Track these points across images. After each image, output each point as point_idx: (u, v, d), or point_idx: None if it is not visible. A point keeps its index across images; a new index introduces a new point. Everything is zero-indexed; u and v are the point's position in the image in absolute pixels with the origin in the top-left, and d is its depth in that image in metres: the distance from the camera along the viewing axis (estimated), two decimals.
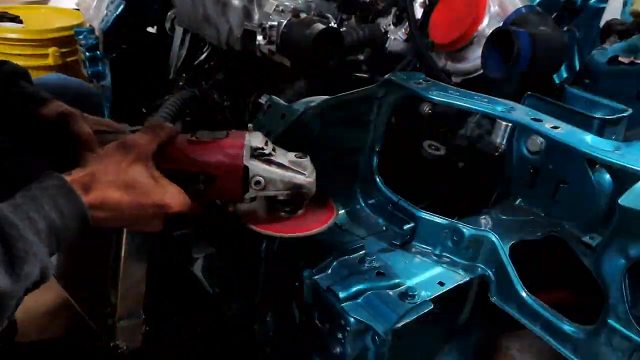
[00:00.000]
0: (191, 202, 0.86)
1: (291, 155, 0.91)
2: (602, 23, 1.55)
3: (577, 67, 1.46)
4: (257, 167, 0.87)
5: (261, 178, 0.87)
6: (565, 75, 1.44)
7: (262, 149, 0.88)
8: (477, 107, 0.98)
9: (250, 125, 0.94)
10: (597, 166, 1.01)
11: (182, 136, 0.89)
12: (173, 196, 0.83)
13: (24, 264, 0.64)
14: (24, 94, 1.00)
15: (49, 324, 1.59)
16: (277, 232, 0.94)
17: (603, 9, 1.50)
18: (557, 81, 1.40)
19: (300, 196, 0.91)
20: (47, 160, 1.02)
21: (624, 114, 1.07)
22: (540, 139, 1.11)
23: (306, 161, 0.91)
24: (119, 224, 0.83)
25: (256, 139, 0.89)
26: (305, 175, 0.89)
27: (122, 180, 0.78)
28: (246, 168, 0.86)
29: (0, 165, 1.02)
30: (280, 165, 0.89)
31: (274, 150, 0.90)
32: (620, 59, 1.33)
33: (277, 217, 0.93)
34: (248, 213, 0.94)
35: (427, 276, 1.06)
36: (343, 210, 1.20)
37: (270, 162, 0.88)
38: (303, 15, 1.52)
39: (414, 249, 1.12)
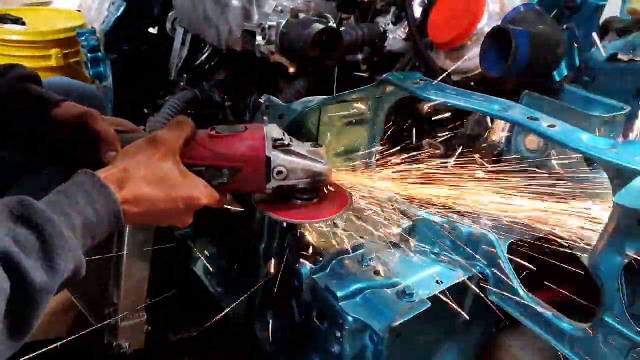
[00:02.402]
0: (218, 195, 0.89)
1: (307, 145, 0.94)
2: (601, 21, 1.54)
3: (577, 65, 1.45)
4: (278, 158, 0.89)
5: (283, 168, 0.89)
6: (565, 73, 1.44)
7: (282, 139, 0.90)
8: (474, 107, 0.99)
9: (265, 118, 0.96)
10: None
11: (202, 132, 0.91)
12: (201, 190, 0.85)
13: (60, 260, 0.64)
14: (36, 97, 1.00)
15: (52, 324, 1.60)
16: (297, 219, 0.96)
17: (603, 6, 1.50)
18: (557, 79, 1.40)
19: (318, 184, 0.93)
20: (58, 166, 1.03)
21: (622, 112, 1.07)
22: None
23: (322, 150, 0.94)
24: (151, 219, 0.83)
25: (275, 131, 0.91)
26: (322, 163, 0.92)
27: (154, 175, 0.80)
28: (268, 159, 0.88)
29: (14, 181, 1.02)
30: (299, 155, 0.91)
31: (291, 140, 0.92)
32: (619, 56, 1.33)
33: (293, 205, 0.95)
34: (266, 202, 0.96)
35: (426, 275, 1.06)
36: None
37: (290, 153, 0.90)
38: (302, 15, 1.53)
39: (412, 248, 1.13)
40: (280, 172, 0.89)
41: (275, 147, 0.89)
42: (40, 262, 0.63)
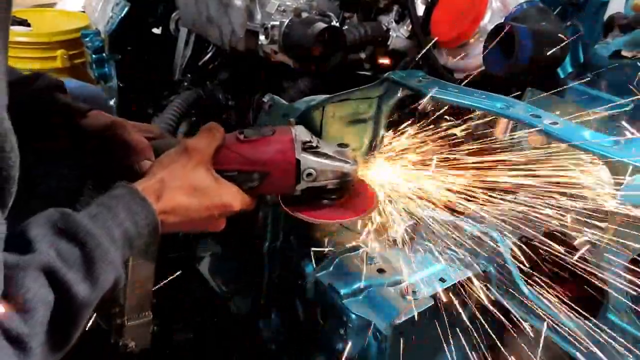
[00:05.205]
0: (250, 200, 0.90)
1: (334, 146, 0.94)
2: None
3: (581, 62, 1.45)
4: (308, 160, 0.90)
5: (312, 170, 0.90)
6: (570, 69, 1.43)
7: (310, 142, 0.90)
8: (476, 104, 0.98)
9: (292, 119, 0.95)
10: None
11: (230, 136, 0.91)
12: (234, 196, 0.87)
13: (102, 273, 0.65)
14: (63, 107, 0.99)
15: None
16: (327, 219, 0.96)
17: (607, 3, 1.49)
18: (561, 75, 1.39)
19: (346, 184, 0.93)
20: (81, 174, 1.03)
21: (626, 109, 1.06)
22: None
23: (348, 150, 0.94)
24: (187, 227, 0.85)
25: (303, 133, 0.91)
26: (350, 163, 0.92)
27: (189, 184, 0.81)
28: (298, 162, 0.89)
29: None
30: (327, 156, 0.91)
31: (318, 142, 0.92)
32: (623, 53, 1.32)
33: (321, 204, 0.95)
34: (292, 202, 0.96)
35: (429, 273, 1.07)
36: None
37: (318, 154, 0.91)
38: (305, 14, 1.53)
39: (415, 246, 1.13)
40: (309, 174, 0.90)
41: (304, 149, 0.90)
42: (83, 275, 0.64)
